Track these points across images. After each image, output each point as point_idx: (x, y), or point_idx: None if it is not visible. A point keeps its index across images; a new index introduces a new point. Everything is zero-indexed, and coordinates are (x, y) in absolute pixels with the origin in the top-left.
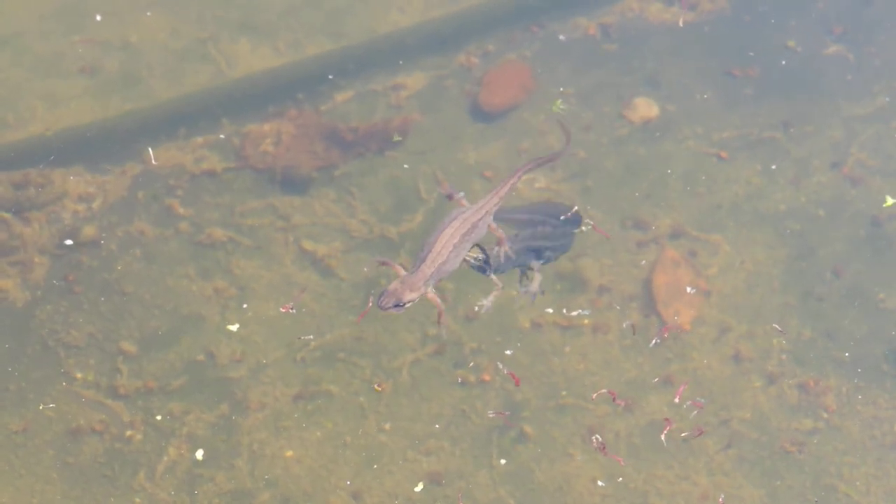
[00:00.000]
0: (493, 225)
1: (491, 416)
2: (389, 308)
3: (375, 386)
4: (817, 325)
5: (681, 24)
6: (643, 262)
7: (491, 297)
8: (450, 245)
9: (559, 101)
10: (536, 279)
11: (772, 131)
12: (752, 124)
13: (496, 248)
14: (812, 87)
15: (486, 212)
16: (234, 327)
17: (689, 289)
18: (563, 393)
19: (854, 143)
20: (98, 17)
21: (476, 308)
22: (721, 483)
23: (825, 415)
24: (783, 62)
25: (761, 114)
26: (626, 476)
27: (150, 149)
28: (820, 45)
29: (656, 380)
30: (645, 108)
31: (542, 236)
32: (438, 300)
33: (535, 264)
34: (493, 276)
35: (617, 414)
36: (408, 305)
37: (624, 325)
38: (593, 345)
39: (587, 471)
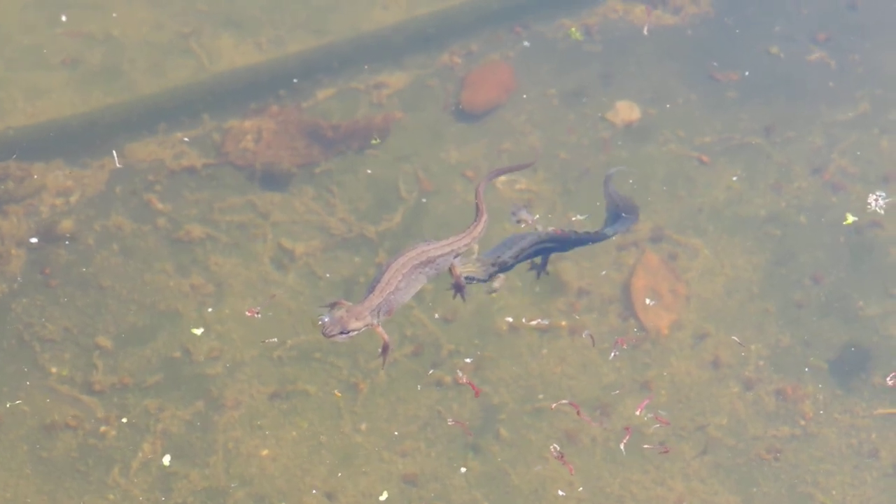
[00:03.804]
0: (457, 270)
1: (450, 423)
2: (334, 335)
3: (336, 392)
4: (796, 331)
5: (645, 32)
6: (605, 272)
7: (498, 282)
8: (399, 275)
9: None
10: (500, 280)
11: (753, 136)
12: (733, 129)
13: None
14: (794, 93)
15: (452, 251)
16: (198, 331)
17: (647, 300)
18: (540, 396)
19: (835, 150)
20: (63, 18)
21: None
22: (697, 489)
23: (802, 422)
24: (765, 69)
25: (743, 118)
26: (602, 480)
27: (114, 151)
28: (804, 50)
29: (617, 392)
30: (627, 110)
31: (551, 239)
32: (386, 335)
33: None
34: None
35: (593, 418)
36: (353, 334)
37: (584, 335)
38: (571, 348)
39: (562, 474)
